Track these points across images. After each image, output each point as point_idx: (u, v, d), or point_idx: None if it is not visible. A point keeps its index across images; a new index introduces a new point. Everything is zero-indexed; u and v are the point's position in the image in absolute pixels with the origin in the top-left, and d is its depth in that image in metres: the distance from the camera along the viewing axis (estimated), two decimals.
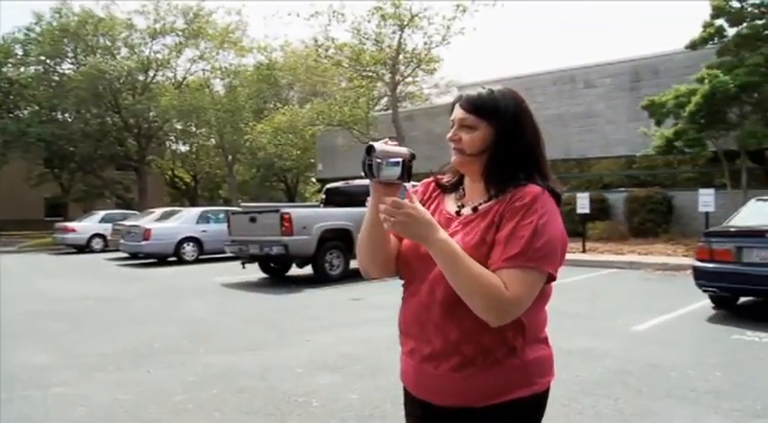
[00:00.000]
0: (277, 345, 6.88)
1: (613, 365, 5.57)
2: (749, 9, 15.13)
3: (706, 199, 13.53)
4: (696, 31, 16.00)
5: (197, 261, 17.73)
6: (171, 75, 37.77)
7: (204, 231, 18.13)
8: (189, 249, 17.93)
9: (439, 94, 38.99)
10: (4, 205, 38.93)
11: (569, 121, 20.90)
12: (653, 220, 17.69)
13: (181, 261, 17.63)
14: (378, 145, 1.63)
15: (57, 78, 34.54)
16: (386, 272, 1.82)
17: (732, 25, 15.38)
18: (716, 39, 15.75)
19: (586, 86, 20.85)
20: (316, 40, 24.51)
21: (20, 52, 33.96)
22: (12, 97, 33.69)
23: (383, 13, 22.81)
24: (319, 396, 4.89)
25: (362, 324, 7.89)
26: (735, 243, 7.62)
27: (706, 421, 4.21)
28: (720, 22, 15.55)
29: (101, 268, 17.25)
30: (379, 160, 1.61)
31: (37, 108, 33.62)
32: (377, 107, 32.53)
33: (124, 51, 35.52)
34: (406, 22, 22.92)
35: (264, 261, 13.23)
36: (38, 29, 33.64)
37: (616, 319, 7.85)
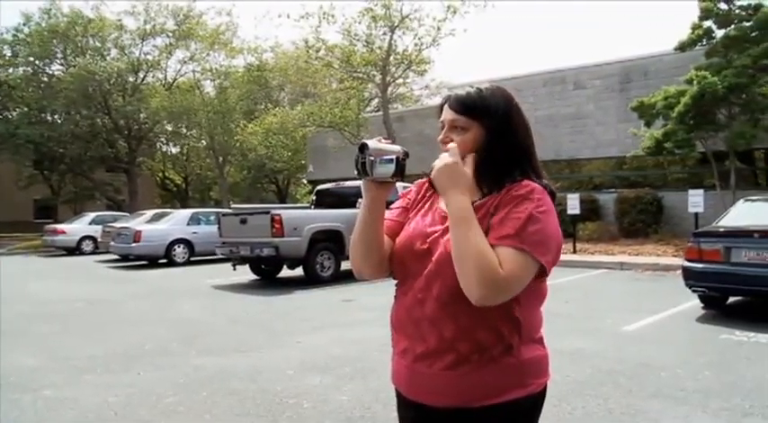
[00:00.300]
0: (268, 346, 6.87)
1: (603, 365, 5.60)
2: (737, 11, 15.22)
3: (695, 199, 13.60)
4: (685, 33, 16.11)
5: (188, 263, 17.69)
6: (161, 76, 37.68)
7: (195, 233, 18.09)
8: (180, 251, 17.88)
9: (430, 95, 38.96)
10: None
11: (560, 122, 20.96)
12: (643, 221, 17.77)
13: (171, 263, 17.57)
14: (371, 142, 1.62)
15: (46, 79, 34.36)
16: (379, 273, 1.79)
17: (720, 27, 15.47)
18: (704, 40, 15.84)
19: (576, 88, 20.92)
20: (306, 42, 24.48)
21: (8, 53, 33.72)
22: (0, 98, 33.47)
23: (373, 14, 22.81)
24: (310, 397, 4.89)
25: (354, 325, 7.89)
26: (723, 243, 7.66)
27: (695, 420, 4.23)
28: (709, 23, 15.64)
29: (91, 270, 17.17)
30: (372, 158, 1.60)
31: (26, 109, 33.41)
32: (367, 108, 32.54)
33: (114, 52, 35.37)
34: (396, 24, 22.93)
35: (255, 263, 13.20)
36: (26, 29, 33.42)
37: (606, 319, 7.88)
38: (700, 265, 7.80)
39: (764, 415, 4.29)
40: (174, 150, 42.86)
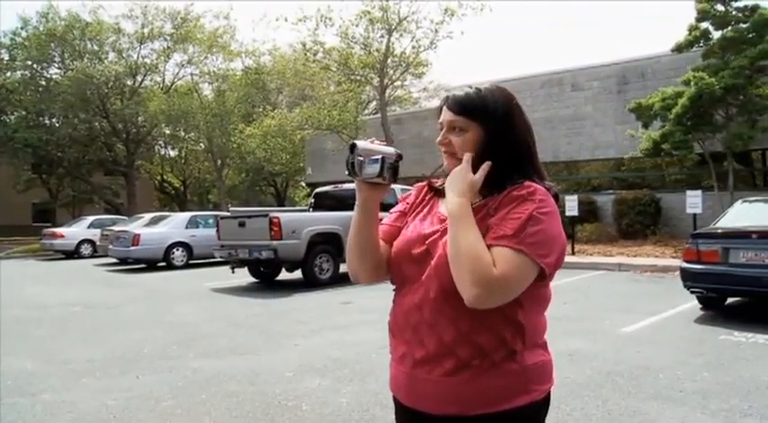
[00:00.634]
0: (266, 349, 6.87)
1: (602, 367, 5.60)
2: (734, 12, 15.25)
3: (693, 200, 13.60)
4: (682, 34, 16.14)
5: (186, 266, 17.68)
6: (159, 79, 37.72)
7: (193, 236, 18.08)
8: (178, 254, 17.87)
9: (428, 97, 39.08)
10: None
11: (557, 124, 20.98)
12: (641, 222, 17.77)
13: (170, 266, 17.55)
14: (360, 143, 1.61)
15: (44, 83, 34.36)
16: (375, 277, 1.77)
17: (717, 28, 15.50)
18: (701, 42, 15.87)
19: (574, 89, 20.94)
20: (304, 45, 24.50)
21: (6, 57, 33.76)
22: None
23: (371, 17, 22.84)
24: (309, 400, 4.88)
25: (352, 328, 7.89)
26: (721, 244, 7.67)
27: (694, 421, 4.23)
28: (706, 25, 15.67)
29: (89, 274, 17.15)
30: (361, 158, 1.59)
31: (24, 113, 33.44)
32: (365, 111, 32.57)
33: (112, 56, 35.41)
34: (394, 26, 22.96)
35: (254, 265, 13.20)
36: (24, 33, 33.46)
37: (605, 320, 7.88)
38: (698, 266, 7.81)
39: (763, 415, 4.29)
40: (173, 153, 42.89)
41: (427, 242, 1.65)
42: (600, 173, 21.75)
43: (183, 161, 42.15)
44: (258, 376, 5.64)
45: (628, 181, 20.27)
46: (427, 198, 1.83)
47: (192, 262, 17.94)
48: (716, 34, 15.55)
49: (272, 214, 12.23)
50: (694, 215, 13.42)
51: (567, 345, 6.32)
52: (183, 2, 37.60)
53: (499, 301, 1.47)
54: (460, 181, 1.58)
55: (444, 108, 1.68)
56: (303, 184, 36.47)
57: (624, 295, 10.16)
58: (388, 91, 25.51)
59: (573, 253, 15.54)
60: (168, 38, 35.23)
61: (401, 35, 23.43)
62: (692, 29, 15.84)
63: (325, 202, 14.13)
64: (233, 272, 13.17)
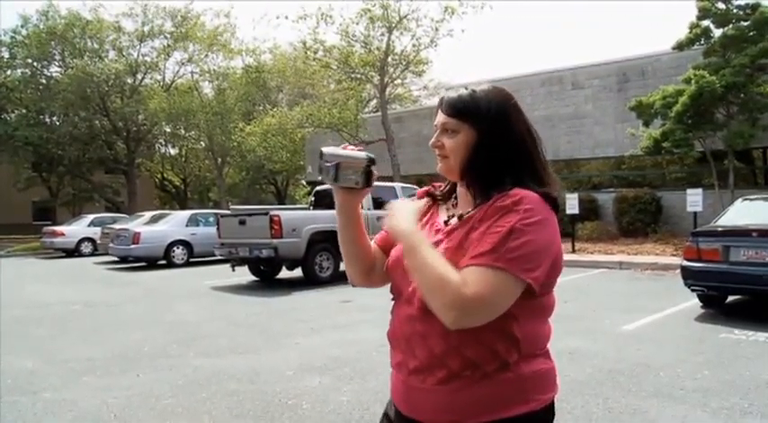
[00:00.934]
0: (267, 348, 6.87)
1: (603, 365, 5.60)
2: (735, 10, 15.24)
3: (694, 199, 13.60)
4: (683, 33, 16.14)
5: (187, 264, 17.69)
6: (159, 77, 37.71)
7: (194, 234, 18.09)
8: (178, 253, 17.88)
9: (428, 95, 39.11)
10: None
11: (558, 123, 20.98)
12: (642, 220, 17.77)
13: (170, 264, 17.57)
14: (326, 149, 1.61)
15: (44, 81, 34.36)
16: (367, 282, 1.76)
17: (718, 26, 15.49)
18: (702, 40, 15.88)
19: (574, 88, 20.93)
20: (304, 43, 24.51)
21: (6, 55, 33.74)
22: None
23: (371, 15, 22.85)
24: (309, 398, 4.88)
25: (352, 326, 7.88)
26: (722, 242, 7.66)
27: (694, 419, 4.23)
28: (707, 23, 15.67)
29: (90, 272, 17.16)
30: (327, 164, 1.60)
31: (24, 111, 33.44)
32: (366, 109, 32.56)
33: (112, 54, 35.41)
34: (394, 25, 22.97)
35: (254, 264, 13.20)
36: (24, 31, 33.43)
37: (605, 318, 7.88)
38: (698, 265, 7.80)
39: (763, 414, 4.28)
40: (173, 152, 42.89)
41: None
42: (600, 171, 21.75)
43: (183, 159, 42.16)
44: (258, 375, 5.64)
45: (628, 179, 20.27)
46: (427, 206, 1.79)
47: (192, 260, 17.94)
48: (717, 32, 15.56)
49: (272, 212, 12.23)
50: (695, 213, 13.42)
51: (567, 343, 6.31)
52: (183, 1, 37.63)
53: (481, 320, 1.42)
54: (400, 211, 1.57)
55: (438, 110, 1.65)
56: (303, 183, 36.44)
57: (625, 293, 10.16)
58: (388, 89, 25.52)
59: (573, 251, 15.55)
60: (168, 36, 35.23)
61: (401, 33, 23.45)
62: (692, 27, 15.85)
63: (325, 201, 14.10)
64: (233, 270, 13.18)
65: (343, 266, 1.85)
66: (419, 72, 27.13)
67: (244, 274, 13.34)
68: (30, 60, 33.49)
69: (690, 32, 15.89)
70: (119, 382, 5.54)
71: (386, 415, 1.76)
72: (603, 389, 4.90)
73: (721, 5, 15.34)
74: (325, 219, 12.51)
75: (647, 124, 16.13)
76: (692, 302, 8.43)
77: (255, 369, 5.84)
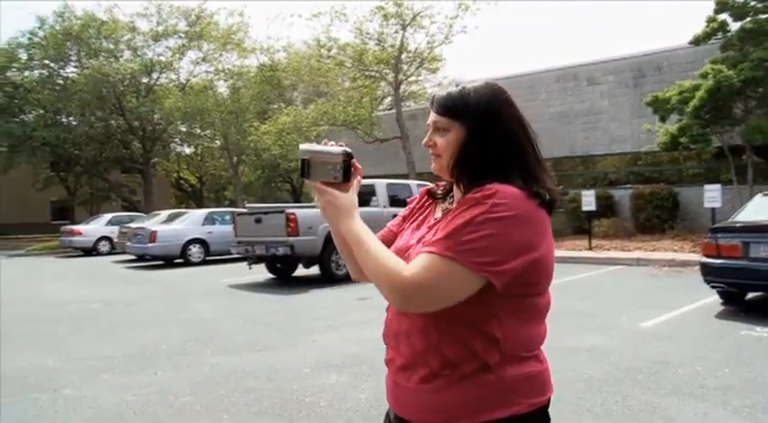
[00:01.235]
0: (284, 345, 6.89)
1: (621, 362, 5.56)
2: (753, 3, 15.08)
3: (712, 194, 13.48)
4: (699, 26, 15.99)
5: (203, 262, 17.77)
6: (174, 77, 37.82)
7: (210, 233, 18.17)
8: (195, 251, 17.97)
9: None
10: (11, 209, 39.23)
11: (573, 119, 20.88)
12: (659, 217, 17.65)
13: (187, 263, 17.67)
14: (303, 146, 1.62)
15: (61, 82, 34.58)
16: (365, 278, 1.75)
17: (736, 20, 15.34)
18: (719, 34, 15.72)
19: (590, 84, 20.81)
20: (318, 41, 24.54)
21: (24, 56, 34.00)
22: (16, 101, 33.73)
23: (385, 12, 22.84)
24: (327, 396, 4.89)
25: (369, 324, 7.87)
26: (741, 238, 7.59)
27: (715, 417, 4.19)
28: (724, 16, 15.52)
29: (107, 271, 17.29)
30: (304, 158, 1.61)
31: (42, 112, 33.67)
32: (380, 107, 32.55)
33: (127, 54, 35.55)
34: (408, 22, 22.95)
35: (271, 262, 13.24)
36: (41, 33, 33.66)
37: (623, 315, 7.83)
38: (718, 261, 7.74)
39: None
40: (189, 151, 43.01)
41: (405, 254, 1.61)
42: (616, 167, 21.61)
43: (198, 158, 42.30)
44: (276, 372, 5.66)
45: (645, 175, 20.13)
46: (427, 204, 1.79)
47: (208, 258, 18.03)
48: (734, 26, 15.39)
49: (288, 210, 12.26)
50: (713, 209, 13.31)
51: (584, 340, 6.28)
52: (197, 0, 37.69)
53: (423, 305, 1.45)
54: (336, 208, 1.57)
55: (431, 109, 1.64)
56: None
57: (642, 290, 10.09)
58: (402, 86, 25.51)
59: (590, 248, 15.49)
60: (183, 35, 35.32)
61: (415, 30, 23.42)
62: (710, 20, 15.70)
63: None
64: (250, 268, 13.23)
65: None
66: (433, 69, 27.08)
67: (260, 272, 13.39)
68: (47, 61, 33.72)
69: (707, 26, 15.75)
70: (137, 380, 5.58)
71: (387, 415, 1.80)
72: (622, 386, 4.86)
73: None
74: None
75: (663, 120, 16.00)
76: (712, 299, 8.37)
77: (273, 366, 5.86)
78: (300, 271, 13.43)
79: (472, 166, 1.54)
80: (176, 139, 39.99)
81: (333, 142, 1.64)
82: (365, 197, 12.49)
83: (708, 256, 7.94)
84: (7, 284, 13.88)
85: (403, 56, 23.80)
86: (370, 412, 4.50)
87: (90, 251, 23.43)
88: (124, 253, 19.89)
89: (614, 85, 20.23)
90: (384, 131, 25.24)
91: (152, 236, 17.57)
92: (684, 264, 12.34)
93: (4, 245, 29.73)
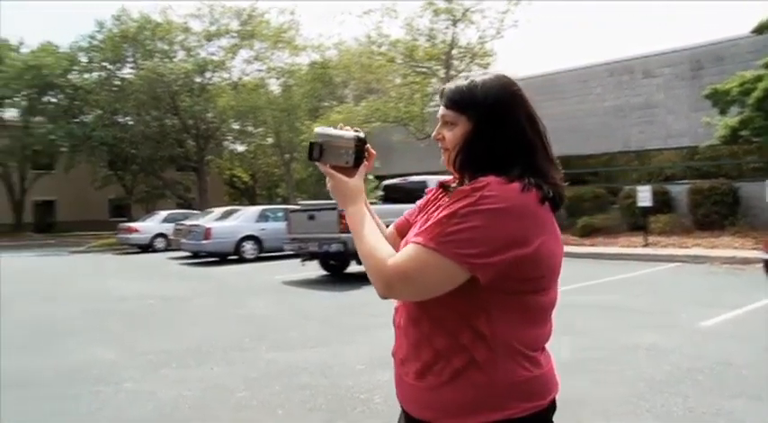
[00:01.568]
0: (338, 342, 6.92)
1: (681, 362, 5.41)
2: None
3: None
4: (763, 14, 15.44)
5: (257, 259, 17.97)
6: (227, 76, 38.36)
7: (263, 229, 18.34)
8: (249, 248, 18.18)
9: None
10: (73, 207, 40.53)
11: (628, 113, 20.46)
12: (718, 213, 17.14)
13: (241, 259, 17.89)
14: (319, 129, 1.63)
15: (118, 83, 35.48)
16: None
17: None
18: None
19: (645, 76, 20.34)
20: (369, 38, 24.60)
21: (84, 59, 35.07)
22: (77, 103, 34.84)
23: (436, 8, 22.77)
24: (381, 392, 4.88)
25: None
26: None
27: None
28: None
29: (163, 267, 17.66)
30: (317, 141, 1.62)
31: (100, 112, 34.62)
32: (432, 103, 32.40)
33: (181, 54, 36.23)
34: (458, 17, 22.82)
35: (324, 258, 13.33)
36: (99, 36, 34.63)
37: (681, 313, 7.63)
38: None
39: None
40: (241, 149, 43.58)
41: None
42: (673, 162, 21.09)
43: (251, 156, 42.81)
44: (330, 369, 5.69)
45: (702, 170, 19.58)
46: (440, 197, 1.78)
47: (262, 255, 18.23)
48: None
49: (340, 207, 12.29)
50: None
51: (642, 338, 6.14)
52: (248, 0, 38.19)
53: (405, 293, 1.48)
54: (342, 192, 1.62)
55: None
56: (370, 177, 36.60)
57: (701, 288, 9.83)
58: None
59: (646, 245, 15.17)
60: (235, 35, 35.81)
61: (466, 25, 23.28)
62: None
63: (394, 195, 14.14)
64: (303, 265, 13.33)
65: None
66: (485, 64, 26.78)
67: (313, 269, 13.50)
68: (105, 63, 34.72)
69: None
70: (194, 375, 5.67)
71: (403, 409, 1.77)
72: (683, 387, 4.74)
73: None
74: (394, 213, 12.28)
75: (723, 112, 15.52)
76: None
77: (327, 363, 5.89)
78: (353, 267, 13.49)
79: (477, 160, 1.53)
80: (229, 137, 40.58)
81: (348, 127, 1.66)
82: (418, 193, 12.43)
83: None
84: (73, 280, 14.32)
85: (454, 51, 23.69)
86: None
87: (146, 248, 23.94)
88: (179, 250, 20.29)
89: (671, 77, 19.73)
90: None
91: (206, 233, 17.85)
92: (746, 261, 11.97)
93: (66, 242, 30.69)
